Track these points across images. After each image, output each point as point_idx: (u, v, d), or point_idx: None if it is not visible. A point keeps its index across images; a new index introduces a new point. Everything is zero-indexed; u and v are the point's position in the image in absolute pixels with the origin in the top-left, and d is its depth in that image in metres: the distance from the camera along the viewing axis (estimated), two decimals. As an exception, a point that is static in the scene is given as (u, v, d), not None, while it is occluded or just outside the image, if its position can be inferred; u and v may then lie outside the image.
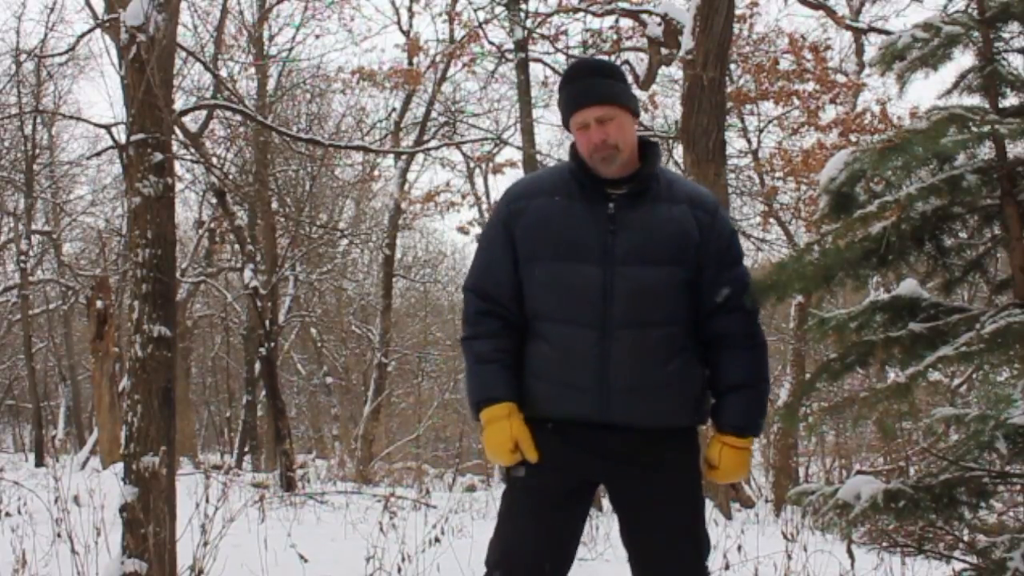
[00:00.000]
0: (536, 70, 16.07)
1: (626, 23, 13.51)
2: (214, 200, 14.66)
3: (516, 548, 2.73)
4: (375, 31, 44.60)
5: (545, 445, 2.67)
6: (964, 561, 3.53)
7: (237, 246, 13.69)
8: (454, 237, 43.35)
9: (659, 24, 12.04)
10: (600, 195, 2.67)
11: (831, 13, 13.13)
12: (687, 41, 9.42)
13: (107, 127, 11.38)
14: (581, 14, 12.89)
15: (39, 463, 17.32)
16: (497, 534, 2.79)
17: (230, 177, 14.54)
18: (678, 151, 15.67)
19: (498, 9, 13.00)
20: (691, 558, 2.73)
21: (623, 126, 2.66)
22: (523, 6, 12.63)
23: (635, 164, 2.71)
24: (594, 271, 2.61)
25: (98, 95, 51.99)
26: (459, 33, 14.60)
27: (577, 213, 2.66)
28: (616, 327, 2.60)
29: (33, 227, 19.96)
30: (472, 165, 20.75)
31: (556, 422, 2.69)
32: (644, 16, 12.46)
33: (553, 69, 16.11)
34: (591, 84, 2.66)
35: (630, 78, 15.89)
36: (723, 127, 9.65)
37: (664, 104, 16.76)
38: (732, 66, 13.16)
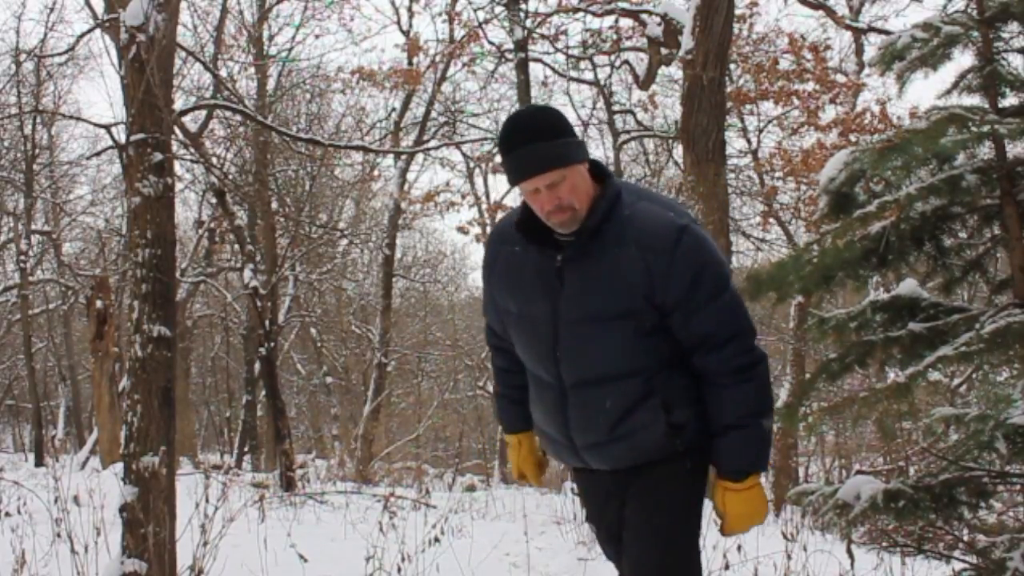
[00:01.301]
0: (536, 70, 16.12)
1: (626, 23, 13.52)
2: (214, 200, 14.66)
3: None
4: (375, 31, 44.33)
5: (584, 494, 2.86)
6: (964, 561, 3.53)
7: (237, 246, 13.69)
8: (454, 237, 43.29)
9: (659, 24, 12.03)
10: (551, 244, 2.51)
11: (831, 13, 13.13)
12: (687, 41, 9.42)
13: (107, 127, 11.39)
14: (581, 14, 12.89)
15: (39, 463, 17.31)
16: None
17: (230, 177, 14.54)
18: (678, 151, 15.69)
19: (498, 9, 13.02)
20: (652, 563, 2.59)
21: (575, 185, 2.43)
22: (523, 6, 12.64)
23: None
24: (544, 330, 2.54)
25: (98, 95, 52.06)
26: (459, 33, 14.62)
27: (530, 267, 2.55)
28: (568, 387, 2.56)
29: (33, 227, 19.95)
30: (472, 165, 20.74)
31: None
32: (644, 16, 12.46)
33: (553, 69, 16.16)
34: (534, 151, 2.40)
35: (630, 78, 15.98)
36: (723, 127, 9.67)
37: (664, 104, 16.79)
38: (732, 66, 13.16)
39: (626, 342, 2.48)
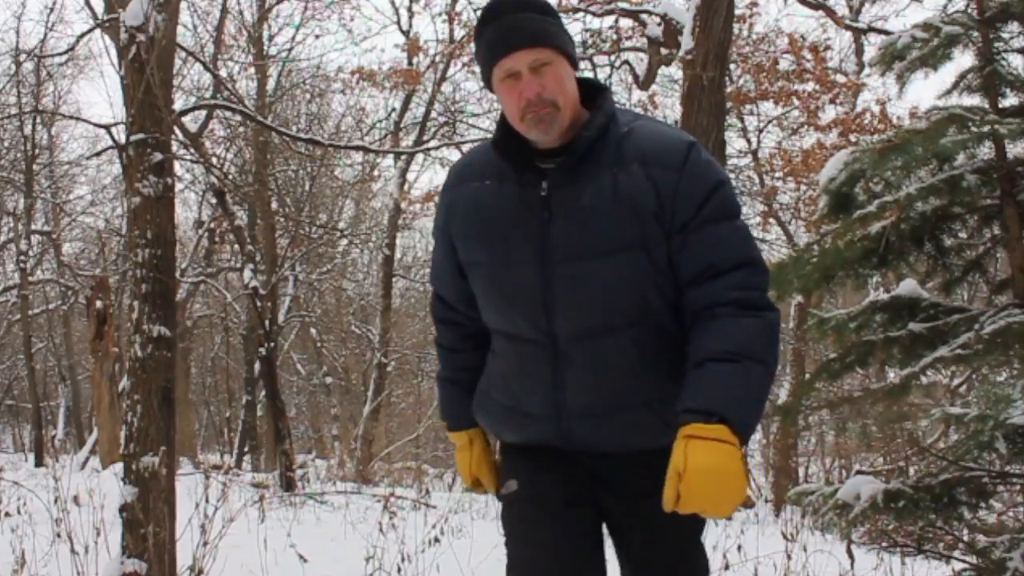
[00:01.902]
0: (536, 70, 16.05)
1: (626, 23, 13.51)
2: (214, 200, 14.66)
3: (536, 567, 2.16)
4: (375, 31, 44.69)
5: (528, 459, 2.23)
6: (964, 561, 3.53)
7: (237, 246, 13.70)
8: (454, 237, 43.30)
9: (659, 24, 12.04)
10: (532, 172, 2.08)
11: (831, 13, 13.13)
12: (687, 41, 9.42)
13: (107, 127, 11.37)
14: (581, 14, 12.89)
15: (39, 463, 17.32)
16: (511, 564, 2.22)
17: (230, 177, 14.55)
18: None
19: (498, 9, 13.01)
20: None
21: (561, 77, 2.04)
22: (523, 6, 12.62)
23: (579, 125, 2.09)
24: (530, 273, 2.06)
25: (98, 95, 52.07)
26: (459, 33, 14.61)
27: (508, 200, 2.09)
28: (565, 341, 2.07)
29: (33, 227, 19.96)
30: (472, 165, 20.71)
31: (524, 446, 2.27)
32: (644, 16, 12.46)
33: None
34: (520, 21, 2.02)
35: (630, 78, 15.99)
36: (723, 127, 9.66)
37: (664, 104, 16.77)
38: (732, 66, 13.16)
39: (636, 279, 2.03)
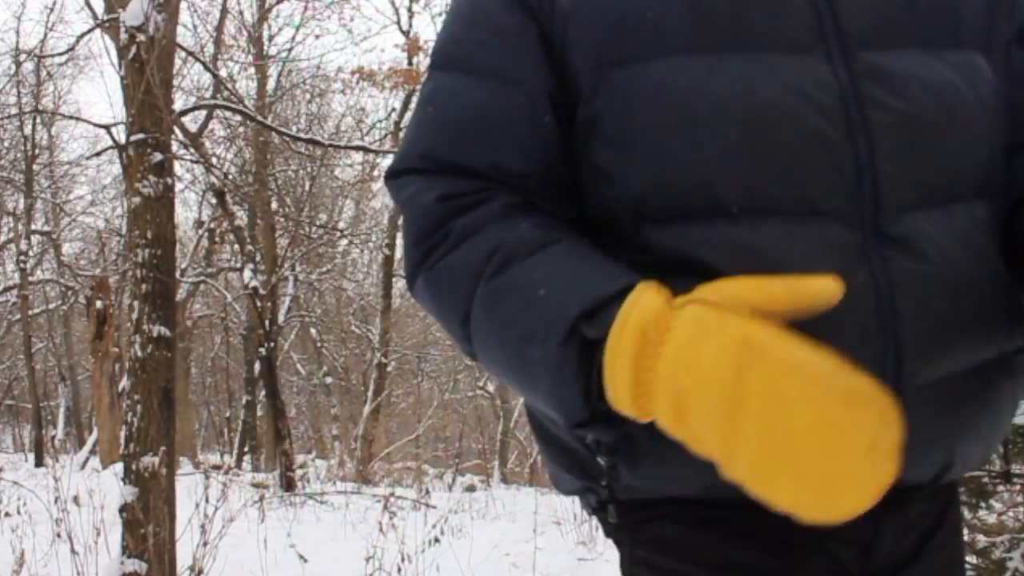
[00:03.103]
0: (536, 70, 16.06)
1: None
2: (214, 200, 14.67)
3: None
4: (375, 31, 44.58)
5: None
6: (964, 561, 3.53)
7: (237, 246, 13.71)
8: (454, 237, 43.28)
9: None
10: None
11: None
12: (687, 41, 9.44)
13: (107, 127, 11.38)
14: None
15: (39, 463, 17.32)
16: None
17: (230, 177, 14.55)
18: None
19: (498, 9, 13.04)
20: None
21: None
22: (523, 6, 12.65)
23: None
24: (814, 67, 0.94)
25: (98, 95, 52.07)
26: (459, 33, 14.63)
27: None
28: (897, 212, 0.94)
29: (33, 227, 19.97)
30: (472, 165, 20.70)
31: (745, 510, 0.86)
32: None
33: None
34: None
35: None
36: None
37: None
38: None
39: (982, 100, 1.01)
